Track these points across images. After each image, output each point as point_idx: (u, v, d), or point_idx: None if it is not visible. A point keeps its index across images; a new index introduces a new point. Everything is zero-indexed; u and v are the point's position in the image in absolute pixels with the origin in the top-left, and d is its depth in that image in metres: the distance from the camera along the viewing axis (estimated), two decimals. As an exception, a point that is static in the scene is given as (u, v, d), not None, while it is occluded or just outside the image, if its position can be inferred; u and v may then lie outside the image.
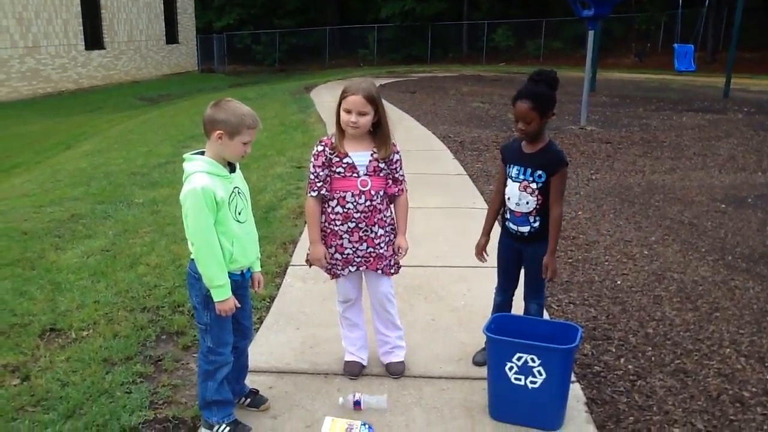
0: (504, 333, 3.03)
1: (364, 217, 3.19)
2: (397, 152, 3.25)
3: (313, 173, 3.18)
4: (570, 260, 5.20)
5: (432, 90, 18.68)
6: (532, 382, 2.92)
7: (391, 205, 3.33)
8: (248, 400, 3.13)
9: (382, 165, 3.19)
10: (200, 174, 2.66)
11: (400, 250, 3.33)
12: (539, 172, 3.18)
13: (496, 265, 3.52)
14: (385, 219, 3.25)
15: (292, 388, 3.31)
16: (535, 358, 2.88)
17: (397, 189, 3.26)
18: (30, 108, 21.08)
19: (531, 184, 3.21)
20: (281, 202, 6.70)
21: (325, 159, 3.16)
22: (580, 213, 6.55)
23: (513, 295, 3.53)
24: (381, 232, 3.24)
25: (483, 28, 35.24)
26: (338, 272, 3.30)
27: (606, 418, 3.12)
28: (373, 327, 3.48)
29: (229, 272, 2.75)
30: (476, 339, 3.66)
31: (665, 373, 3.54)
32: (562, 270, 4.94)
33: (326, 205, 3.22)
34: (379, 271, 3.29)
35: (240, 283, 2.87)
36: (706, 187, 7.68)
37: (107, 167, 9.22)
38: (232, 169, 2.81)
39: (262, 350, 3.66)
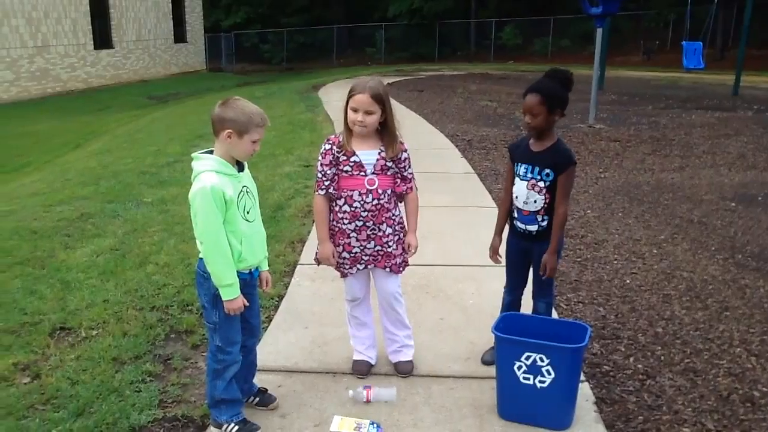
0: (512, 332, 3.03)
1: (371, 215, 3.18)
2: (405, 150, 3.25)
3: (320, 171, 3.18)
4: (579, 259, 5.18)
5: (440, 88, 18.65)
6: (540, 382, 2.91)
7: (400, 204, 3.33)
8: (257, 398, 3.14)
9: (389, 164, 3.18)
10: (209, 173, 2.66)
11: (410, 248, 3.33)
12: (547, 170, 3.17)
13: (503, 264, 3.51)
14: (393, 218, 3.25)
15: (300, 387, 3.32)
16: (544, 358, 2.87)
17: (405, 187, 3.26)
18: (39, 107, 21.19)
19: (539, 183, 3.20)
20: (289, 201, 6.71)
21: (333, 157, 3.16)
22: (588, 211, 6.53)
23: (522, 294, 3.52)
24: (389, 230, 3.24)
25: (491, 27, 35.18)
26: (346, 271, 3.30)
27: (615, 418, 3.11)
28: (381, 326, 3.48)
29: (237, 271, 2.75)
30: (485, 338, 3.65)
31: (675, 372, 3.53)
32: (570, 269, 4.93)
33: (334, 204, 3.22)
34: (387, 269, 3.29)
35: (248, 282, 2.88)
36: (716, 185, 7.64)
37: (116, 166, 9.25)
38: (241, 168, 2.81)
39: (270, 349, 3.67)
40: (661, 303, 4.41)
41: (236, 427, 2.89)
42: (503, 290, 3.57)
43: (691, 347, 3.80)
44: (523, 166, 3.26)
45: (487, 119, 12.76)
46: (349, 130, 3.14)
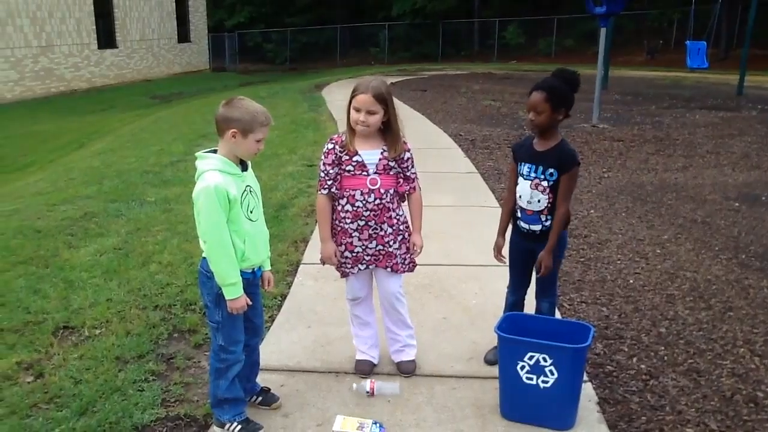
0: (515, 332, 3.02)
1: (373, 215, 3.18)
2: (408, 150, 3.25)
3: (323, 171, 3.18)
4: (582, 259, 5.18)
5: (443, 88, 18.65)
6: (543, 382, 2.91)
7: (403, 204, 3.33)
8: (260, 398, 3.14)
9: (392, 163, 3.18)
10: (213, 172, 2.67)
11: (416, 248, 3.33)
12: (551, 170, 3.17)
13: (503, 264, 3.51)
14: (395, 217, 3.25)
15: (303, 386, 3.32)
16: (547, 358, 2.87)
17: (408, 187, 3.26)
18: (43, 107, 21.24)
19: (542, 182, 3.19)
20: (292, 201, 6.71)
21: (335, 157, 3.16)
22: (592, 211, 6.52)
23: (525, 294, 3.52)
24: (390, 230, 3.24)
25: (494, 26, 35.14)
26: (348, 270, 3.30)
27: (618, 418, 3.10)
28: (383, 326, 3.48)
29: (240, 270, 2.76)
30: (487, 338, 3.65)
31: (678, 372, 3.52)
32: (573, 269, 4.92)
33: (336, 203, 3.22)
34: (389, 269, 3.29)
35: (251, 281, 2.88)
36: (720, 185, 7.62)
37: (120, 166, 9.27)
38: (245, 168, 2.82)
39: (273, 348, 3.67)
40: (665, 303, 4.40)
41: (239, 427, 2.89)
42: (506, 290, 3.57)
43: (694, 347, 3.79)
44: (527, 165, 3.25)
45: (491, 119, 12.75)
46: (352, 129, 3.14)
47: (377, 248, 3.24)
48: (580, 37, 32.65)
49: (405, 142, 3.23)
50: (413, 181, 3.27)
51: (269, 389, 3.18)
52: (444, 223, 5.88)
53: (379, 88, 3.06)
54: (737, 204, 6.81)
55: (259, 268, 2.95)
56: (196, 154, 2.76)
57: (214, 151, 2.76)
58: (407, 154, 3.23)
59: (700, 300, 4.44)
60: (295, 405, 3.15)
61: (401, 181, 3.25)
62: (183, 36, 34.25)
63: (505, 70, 26.74)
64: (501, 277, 3.81)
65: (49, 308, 4.20)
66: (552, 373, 2.89)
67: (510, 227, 3.47)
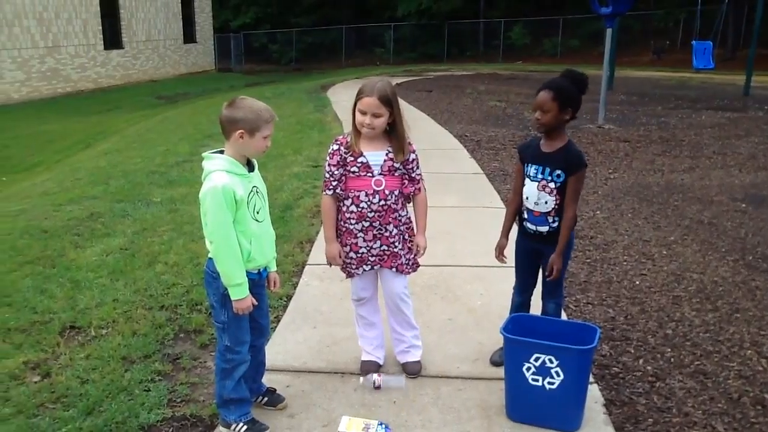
0: (521, 333, 3.02)
1: (378, 216, 3.18)
2: (413, 151, 3.25)
3: (328, 172, 3.19)
4: (588, 260, 5.17)
5: (448, 89, 18.63)
6: (549, 383, 2.90)
7: (408, 204, 3.32)
8: (265, 398, 3.14)
9: (397, 165, 3.18)
10: (220, 172, 2.67)
11: (419, 249, 3.32)
12: (558, 171, 3.16)
13: (514, 265, 3.51)
14: (399, 218, 3.25)
15: (309, 386, 3.32)
16: (553, 359, 2.86)
17: (413, 188, 3.25)
18: (50, 107, 21.31)
19: (549, 184, 3.19)
20: (298, 201, 6.72)
21: (340, 158, 3.16)
22: (598, 212, 6.51)
23: (531, 295, 3.51)
24: (395, 231, 3.24)
25: (499, 27, 35.11)
26: (353, 271, 3.30)
27: (624, 420, 3.09)
28: (388, 326, 3.48)
29: (246, 271, 2.76)
30: (493, 339, 3.65)
31: (684, 374, 3.51)
32: (579, 270, 4.91)
33: (341, 204, 3.23)
34: (393, 269, 3.29)
35: (257, 282, 2.88)
36: (726, 186, 7.60)
37: (126, 166, 9.29)
38: (251, 168, 2.82)
39: (279, 349, 3.67)
40: (671, 304, 4.38)
41: (245, 427, 2.89)
42: (513, 291, 3.56)
43: (701, 349, 3.77)
44: (534, 166, 3.25)
45: (496, 119, 12.74)
46: (357, 131, 3.14)
47: (382, 248, 3.24)
48: (585, 37, 32.59)
49: (410, 143, 3.23)
50: (418, 183, 3.27)
51: (275, 390, 3.19)
52: (449, 224, 5.88)
53: (384, 90, 3.06)
54: (744, 205, 6.79)
55: (265, 268, 2.95)
56: (203, 154, 2.77)
57: (221, 152, 2.76)
58: (412, 156, 3.23)
59: (707, 301, 4.43)
60: (300, 405, 3.15)
61: (406, 182, 3.24)
62: (189, 37, 34.30)
63: (510, 70, 26.71)
64: (506, 278, 3.80)
65: (55, 308, 4.22)
66: (558, 375, 2.88)
67: (516, 228, 3.46)
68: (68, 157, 12.47)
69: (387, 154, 3.16)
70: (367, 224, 3.19)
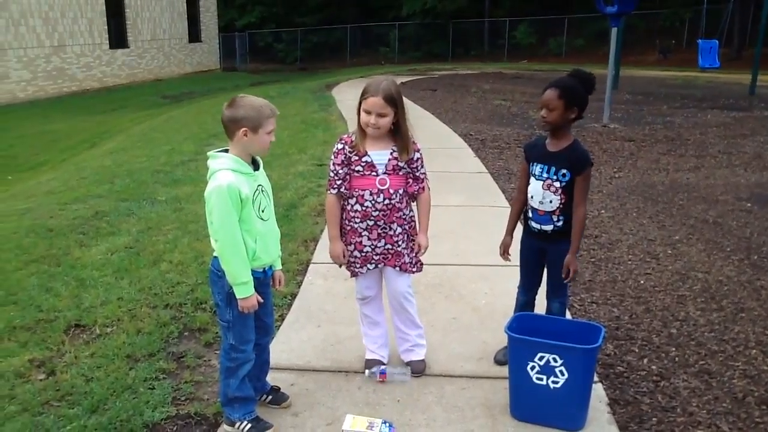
0: (525, 332, 3.02)
1: (382, 215, 3.19)
2: (418, 150, 3.25)
3: (332, 171, 3.19)
4: (592, 259, 5.16)
5: (453, 88, 18.62)
6: (553, 382, 2.90)
7: (413, 203, 3.32)
8: (270, 397, 3.15)
9: (401, 164, 3.19)
10: (225, 171, 2.68)
11: (420, 248, 3.32)
12: (563, 170, 3.16)
13: (518, 264, 3.50)
14: (404, 217, 3.25)
15: (313, 385, 3.32)
16: (557, 358, 2.86)
17: (417, 187, 3.26)
18: (55, 106, 21.37)
19: (554, 183, 3.19)
20: (302, 200, 6.72)
21: (345, 157, 3.17)
22: (602, 212, 6.50)
23: (536, 294, 3.51)
24: (399, 230, 3.24)
25: (504, 26, 35.09)
26: (357, 270, 3.31)
27: (629, 419, 3.09)
28: (392, 325, 3.48)
29: (251, 270, 2.76)
30: (497, 338, 3.65)
31: (689, 373, 3.50)
32: (584, 269, 4.90)
33: (346, 203, 3.23)
34: (397, 268, 3.29)
35: (262, 280, 2.88)
36: (731, 185, 7.57)
37: (131, 165, 9.31)
38: (256, 167, 2.83)
39: (283, 347, 3.68)
40: (676, 304, 4.37)
41: (249, 425, 2.90)
42: (517, 290, 3.56)
43: (705, 349, 3.77)
44: (539, 165, 3.25)
45: (501, 119, 12.73)
46: (362, 130, 3.14)
47: (386, 247, 3.24)
48: (590, 36, 32.54)
49: (414, 142, 3.23)
50: (422, 182, 3.27)
51: (279, 388, 3.19)
52: (454, 223, 5.87)
53: (389, 89, 3.06)
54: (749, 204, 6.77)
55: (270, 267, 2.95)
56: (208, 153, 2.77)
57: (226, 151, 2.77)
58: (416, 155, 3.24)
59: (712, 301, 4.41)
60: (304, 404, 3.15)
61: (410, 181, 3.24)
62: (194, 36, 34.37)
63: (515, 69, 26.68)
64: (511, 277, 3.80)
65: (60, 306, 4.23)
66: (562, 374, 2.88)
67: (521, 227, 3.46)
68: (73, 156, 12.51)
69: (391, 154, 3.16)
70: (371, 223, 3.20)
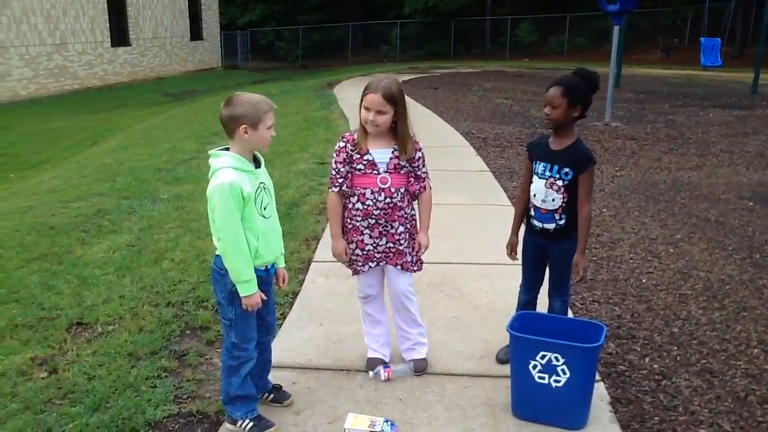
0: (527, 331, 3.01)
1: (383, 213, 3.19)
2: (420, 149, 3.25)
3: (334, 169, 3.19)
4: (594, 258, 5.16)
5: (455, 86, 18.61)
6: (555, 381, 2.90)
7: (414, 202, 3.32)
8: (271, 395, 3.15)
9: (403, 162, 3.18)
10: (227, 169, 2.68)
11: (421, 247, 3.32)
12: (566, 169, 3.16)
13: (520, 262, 3.50)
14: (405, 216, 3.25)
15: (314, 383, 3.33)
16: (559, 357, 2.86)
17: (419, 186, 3.25)
18: (57, 104, 21.39)
19: (557, 181, 3.18)
20: (304, 199, 6.72)
21: (347, 155, 3.17)
22: (604, 210, 6.49)
23: (538, 293, 3.51)
24: (401, 228, 3.24)
25: (506, 24, 35.06)
26: (358, 268, 3.31)
27: (630, 418, 3.09)
28: (394, 324, 3.48)
29: (254, 268, 2.76)
30: (499, 336, 3.65)
31: (691, 372, 3.50)
32: (586, 267, 4.89)
33: (347, 201, 3.23)
34: (399, 267, 3.29)
35: (264, 278, 2.88)
36: (734, 184, 7.56)
37: (132, 163, 9.32)
38: (258, 165, 2.83)
39: (285, 346, 3.68)
40: (678, 303, 4.37)
41: (251, 424, 2.90)
42: (519, 289, 3.55)
43: (707, 348, 3.76)
44: (542, 164, 3.25)
45: (502, 117, 12.72)
46: (364, 128, 3.14)
47: (387, 246, 3.24)
48: (592, 35, 32.50)
49: (416, 142, 3.23)
50: (424, 181, 3.27)
51: (281, 387, 3.19)
52: (455, 222, 5.87)
53: (389, 87, 3.05)
54: (751, 203, 6.76)
55: (273, 265, 2.95)
56: (210, 152, 2.78)
57: (227, 149, 2.77)
58: (418, 154, 3.23)
59: (714, 300, 4.41)
60: (306, 402, 3.16)
61: (412, 180, 3.24)
62: (195, 34, 34.38)
63: (517, 68, 26.66)
64: (512, 275, 3.80)
65: (62, 304, 4.23)
66: (564, 373, 2.88)
67: (523, 225, 3.46)
68: (75, 154, 12.52)
69: (393, 152, 3.16)
70: (372, 221, 3.20)
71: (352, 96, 14.25)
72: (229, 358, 2.89)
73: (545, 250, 3.34)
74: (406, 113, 3.14)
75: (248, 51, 39.56)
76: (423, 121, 11.51)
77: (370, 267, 3.29)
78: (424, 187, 3.28)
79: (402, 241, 3.26)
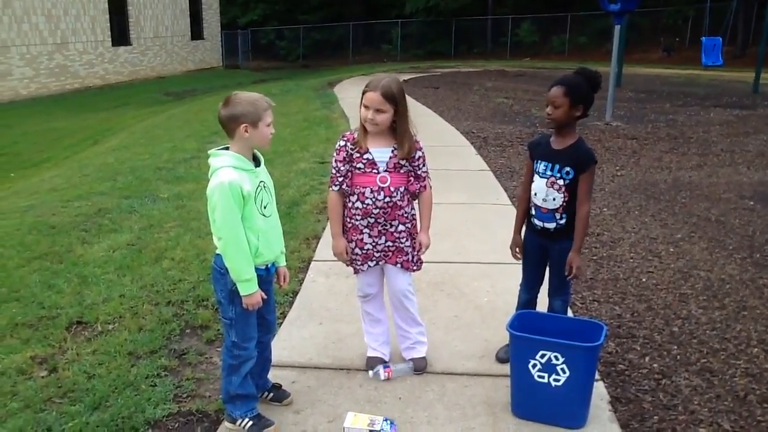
0: (527, 330, 3.01)
1: (383, 212, 3.19)
2: (420, 149, 3.24)
3: (334, 168, 3.19)
4: (594, 257, 5.16)
5: (456, 85, 18.61)
6: (555, 380, 2.90)
7: (415, 201, 3.32)
8: (271, 394, 3.15)
9: (403, 162, 3.18)
10: (227, 168, 2.68)
11: (421, 247, 3.32)
12: (567, 168, 3.16)
13: (521, 261, 3.50)
14: (405, 215, 3.25)
15: (314, 382, 3.33)
16: (559, 356, 2.86)
17: (418, 186, 3.25)
18: (58, 104, 21.40)
19: (558, 181, 3.18)
20: (304, 198, 6.72)
21: (347, 154, 3.16)
22: (605, 210, 6.49)
23: (538, 292, 3.50)
24: (401, 227, 3.24)
25: (507, 23, 35.05)
26: (358, 267, 3.31)
27: (630, 417, 3.09)
28: (393, 323, 3.48)
29: (254, 267, 2.76)
30: (499, 336, 3.65)
31: (691, 372, 3.50)
32: (586, 267, 4.90)
33: (347, 200, 3.23)
34: (398, 265, 3.29)
35: (265, 277, 2.88)
36: (734, 183, 7.56)
37: (133, 162, 9.32)
38: (258, 164, 2.83)
39: (285, 345, 3.68)
40: (678, 302, 4.37)
41: (251, 422, 2.90)
42: (519, 288, 3.55)
43: (707, 347, 3.76)
44: (543, 163, 3.24)
45: (503, 116, 12.72)
46: (364, 127, 3.14)
47: (387, 245, 3.24)
48: (593, 34, 32.48)
49: (417, 141, 3.22)
50: (424, 180, 3.27)
51: (281, 385, 3.19)
52: (456, 221, 5.87)
53: (389, 86, 3.05)
54: (752, 203, 6.75)
55: (273, 264, 2.95)
56: (209, 151, 2.78)
57: (227, 148, 2.77)
58: (418, 153, 3.23)
59: (714, 299, 4.41)
60: (306, 401, 3.16)
61: (412, 179, 3.24)
62: (196, 33, 34.40)
63: (518, 67, 26.65)
64: (512, 275, 3.79)
65: (62, 303, 4.24)
66: (564, 372, 2.88)
67: (524, 225, 3.46)
68: (76, 154, 12.53)
69: (393, 151, 3.16)
70: (372, 220, 3.20)
71: (353, 95, 14.24)
72: (229, 357, 2.89)
73: (545, 249, 3.33)
74: (406, 112, 3.13)
75: (249, 50, 39.56)
76: (424, 120, 11.51)
77: (370, 266, 3.29)
78: (424, 187, 3.28)
79: (403, 240, 3.25)
